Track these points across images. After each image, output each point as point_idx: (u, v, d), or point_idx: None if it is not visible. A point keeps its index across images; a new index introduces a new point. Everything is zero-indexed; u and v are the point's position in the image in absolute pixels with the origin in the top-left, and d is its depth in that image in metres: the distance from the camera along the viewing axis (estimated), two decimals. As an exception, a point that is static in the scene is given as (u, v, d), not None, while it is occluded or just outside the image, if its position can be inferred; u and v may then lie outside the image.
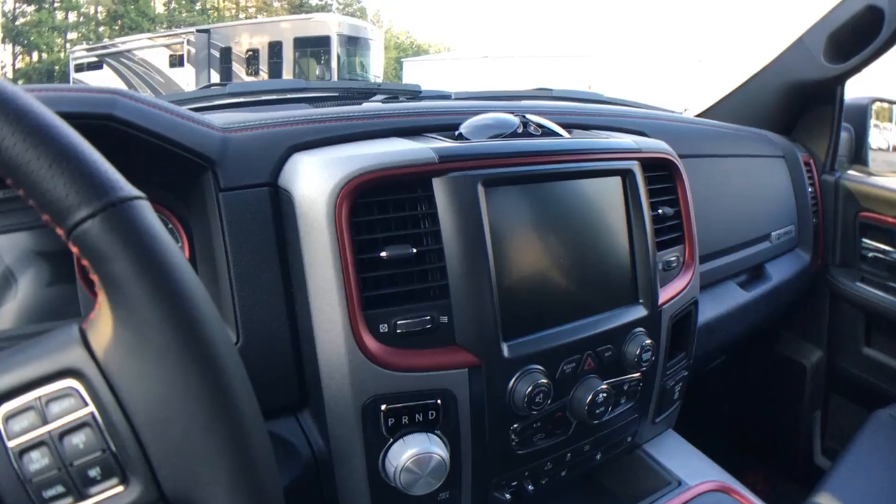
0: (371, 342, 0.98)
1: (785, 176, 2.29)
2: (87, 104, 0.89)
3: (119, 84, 24.12)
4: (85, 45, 31.76)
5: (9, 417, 0.54)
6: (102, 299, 0.53)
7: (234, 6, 45.16)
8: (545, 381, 1.09)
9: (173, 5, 41.83)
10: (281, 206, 1.04)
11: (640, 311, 1.26)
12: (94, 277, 0.52)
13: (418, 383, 1.02)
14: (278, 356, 1.04)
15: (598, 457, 1.32)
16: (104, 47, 28.70)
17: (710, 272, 1.81)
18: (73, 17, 38.09)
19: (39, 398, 0.54)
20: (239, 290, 1.01)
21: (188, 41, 24.87)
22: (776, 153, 2.28)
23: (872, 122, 2.72)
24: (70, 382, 0.54)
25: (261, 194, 1.04)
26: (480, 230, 1.03)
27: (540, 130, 1.23)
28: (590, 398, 1.16)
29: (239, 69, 24.02)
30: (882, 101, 2.87)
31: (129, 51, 26.56)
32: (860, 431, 1.95)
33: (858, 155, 2.62)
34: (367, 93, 1.87)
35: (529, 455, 1.17)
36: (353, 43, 23.79)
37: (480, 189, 1.04)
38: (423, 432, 1.03)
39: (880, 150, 3.08)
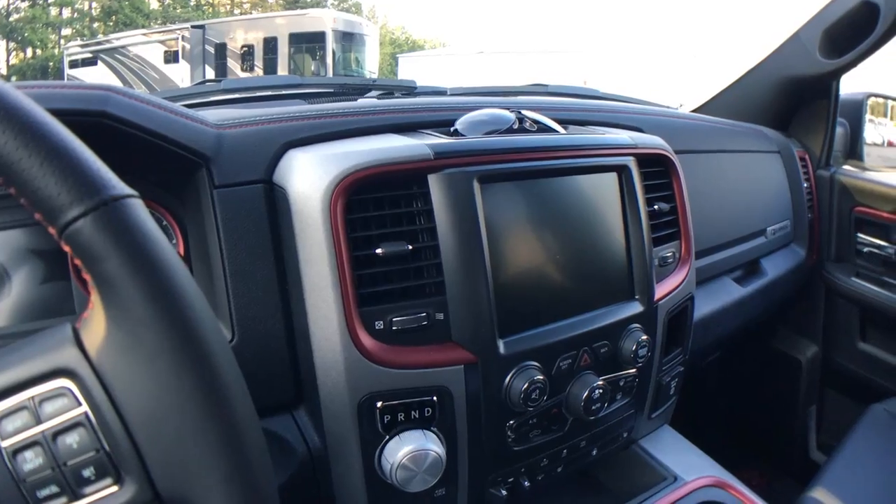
0: (367, 339, 0.98)
1: (780, 171, 2.29)
2: (80, 101, 0.89)
3: (114, 80, 24.10)
4: (79, 42, 31.66)
5: (2, 417, 0.54)
6: (95, 298, 0.53)
7: (228, 2, 45.09)
8: (541, 377, 1.09)
9: (168, 1, 41.77)
10: (276, 203, 1.04)
11: (636, 307, 1.26)
12: (87, 277, 0.52)
13: (414, 380, 1.02)
14: (274, 353, 1.04)
15: (595, 453, 1.32)
16: (99, 43, 28.61)
17: (705, 268, 1.81)
18: (67, 13, 38.00)
19: (33, 398, 0.54)
20: (234, 288, 1.00)
21: (183, 37, 24.82)
22: (772, 148, 2.28)
23: (868, 117, 2.72)
24: (63, 382, 0.54)
25: (255, 191, 1.03)
26: (476, 227, 1.03)
27: (536, 126, 1.22)
28: (586, 394, 1.16)
29: (234, 65, 23.99)
30: (877, 96, 2.87)
31: (123, 47, 26.49)
32: (856, 426, 1.96)
33: (854, 150, 2.63)
34: (362, 89, 1.87)
35: (526, 451, 1.17)
36: (349, 39, 23.78)
37: (476, 185, 1.04)
38: (419, 429, 1.03)
39: (875, 145, 3.07)
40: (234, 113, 1.14)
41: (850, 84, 2.49)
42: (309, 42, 23.16)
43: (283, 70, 22.57)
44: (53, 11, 37.50)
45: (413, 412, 1.03)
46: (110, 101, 0.91)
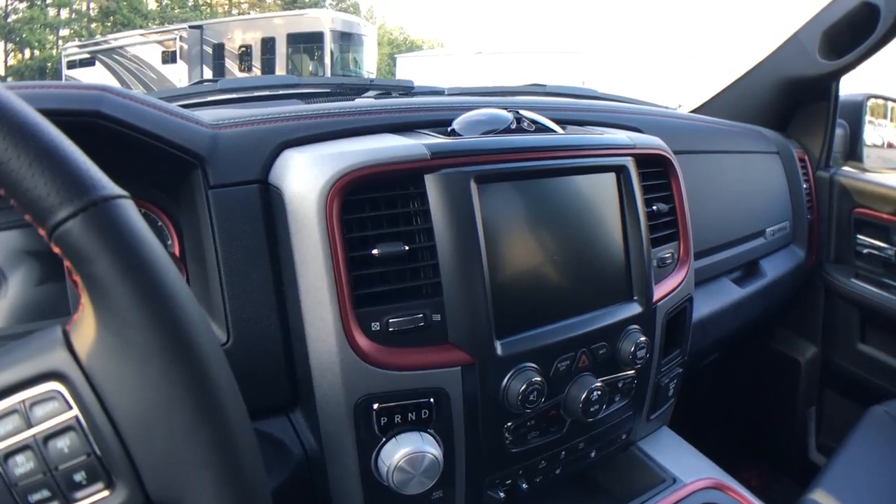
0: (363, 340, 0.97)
1: (779, 172, 2.29)
2: (73, 101, 0.88)
3: (112, 81, 24.12)
4: (77, 42, 31.70)
5: None
6: (85, 300, 0.52)
7: (226, 2, 45.11)
8: (539, 378, 1.08)
9: (166, 2, 41.75)
10: (271, 204, 1.03)
11: (634, 308, 1.26)
12: (77, 278, 0.51)
13: (411, 382, 1.01)
14: (269, 355, 1.03)
15: (593, 454, 1.31)
16: (96, 44, 28.64)
17: (704, 268, 1.81)
18: (65, 13, 37.99)
19: (23, 401, 0.53)
20: (229, 289, 1.00)
21: (181, 37, 24.85)
22: (771, 149, 2.28)
23: (867, 118, 2.72)
24: (54, 385, 0.54)
25: (251, 191, 1.03)
26: (473, 227, 1.02)
27: (533, 126, 1.22)
28: (584, 396, 1.15)
29: (232, 65, 24.03)
30: (877, 97, 2.87)
31: (121, 47, 26.51)
32: (855, 428, 1.95)
33: (853, 151, 2.63)
34: (359, 89, 1.87)
35: (523, 453, 1.17)
36: (347, 39, 23.82)
37: (473, 185, 1.03)
38: (416, 431, 1.03)
39: (875, 146, 3.08)
40: (230, 113, 1.13)
41: (851, 85, 2.49)
42: (307, 42, 23.21)
43: (281, 70, 22.60)
44: (51, 12, 37.51)
45: (410, 414, 1.02)
46: (104, 100, 0.90)
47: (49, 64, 35.46)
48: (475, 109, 1.24)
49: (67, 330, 0.55)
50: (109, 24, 37.30)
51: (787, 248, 2.32)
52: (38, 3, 36.92)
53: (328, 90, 1.85)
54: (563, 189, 1.18)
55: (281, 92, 1.72)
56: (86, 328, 0.53)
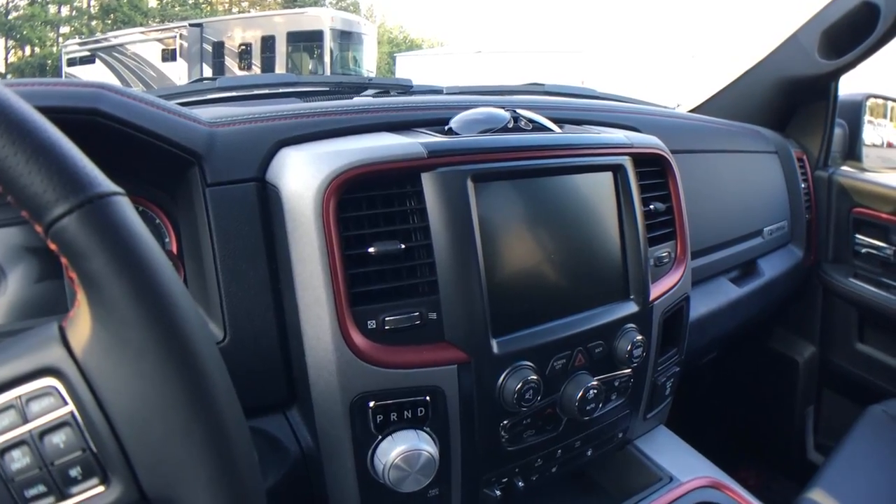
0: (359, 338, 0.98)
1: (778, 172, 2.29)
2: (72, 99, 0.88)
3: (112, 78, 24.12)
4: (77, 40, 31.65)
5: None
6: (81, 297, 0.52)
7: (226, 0, 45.10)
8: (535, 377, 1.08)
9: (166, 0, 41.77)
10: (268, 202, 1.03)
11: (631, 307, 1.26)
12: (73, 275, 0.52)
13: (407, 380, 1.01)
14: (266, 352, 1.03)
15: (589, 453, 1.31)
16: (97, 41, 28.64)
17: (702, 268, 1.81)
18: (65, 11, 37.98)
19: (20, 397, 0.54)
20: (226, 286, 1.00)
21: (181, 35, 24.87)
22: (769, 149, 2.28)
23: (867, 118, 2.72)
24: (49, 381, 0.54)
25: (248, 189, 1.03)
26: (470, 226, 1.02)
27: (531, 125, 1.22)
28: (580, 394, 1.15)
29: (231, 63, 24.04)
30: (876, 97, 2.87)
31: (121, 45, 26.52)
32: (853, 427, 1.96)
33: (852, 151, 2.63)
34: (358, 87, 1.87)
35: (519, 452, 1.17)
36: (347, 37, 23.84)
37: (470, 184, 1.03)
38: (412, 429, 1.03)
39: (874, 146, 3.08)
40: (228, 111, 1.13)
41: (850, 84, 2.50)
42: (307, 41, 23.22)
43: (280, 69, 22.64)
44: (52, 9, 37.52)
45: (406, 412, 1.02)
46: (102, 98, 0.90)
47: (49, 61, 35.46)
48: (473, 108, 1.24)
49: (63, 326, 0.55)
50: (110, 21, 37.33)
51: (785, 248, 2.32)
52: (39, 0, 36.91)
53: (327, 89, 1.85)
54: (560, 188, 1.18)
55: (279, 90, 1.72)
56: (81, 324, 0.53)
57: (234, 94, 1.67)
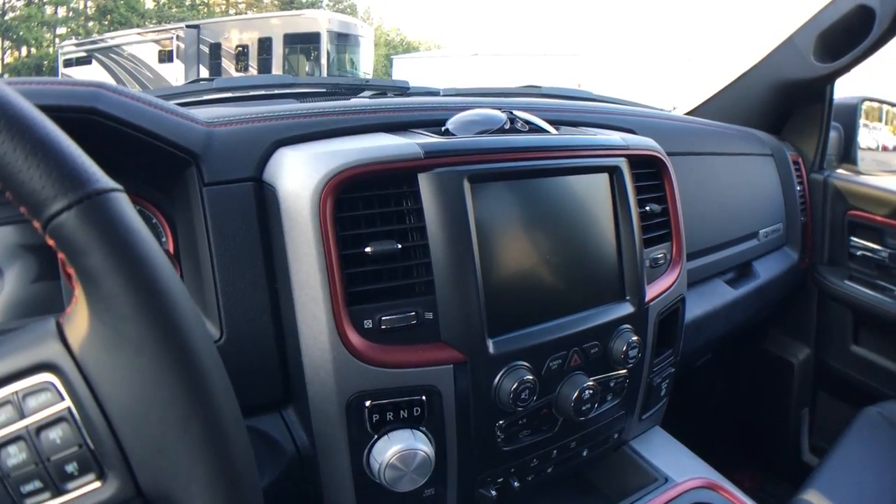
0: (355, 338, 0.98)
1: (773, 174, 2.29)
2: (69, 97, 0.89)
3: (108, 79, 24.07)
4: (74, 40, 31.63)
5: None
6: (79, 293, 0.53)
7: (223, 2, 45.05)
8: (531, 377, 1.08)
9: (163, 1, 41.70)
10: (265, 201, 1.04)
11: (626, 308, 1.26)
12: (71, 271, 0.52)
13: (403, 380, 1.01)
14: (262, 352, 1.04)
15: (585, 453, 1.32)
16: (93, 42, 28.59)
17: (697, 269, 1.82)
18: (62, 11, 37.91)
19: (17, 392, 0.54)
20: (223, 286, 1.00)
21: (177, 37, 24.82)
22: (765, 151, 2.29)
23: (862, 121, 2.73)
24: (46, 377, 0.54)
25: (245, 189, 1.03)
26: (466, 226, 1.03)
27: (527, 127, 1.22)
28: (576, 395, 1.15)
29: (228, 65, 24.00)
30: (872, 100, 2.88)
31: (118, 46, 26.47)
32: (848, 429, 1.96)
33: (848, 154, 2.63)
34: (355, 89, 1.87)
35: (515, 452, 1.17)
36: (343, 40, 23.82)
37: (466, 185, 1.04)
38: (407, 429, 1.03)
39: (869, 149, 3.08)
40: (226, 111, 1.13)
41: (848, 87, 2.50)
42: (304, 43, 23.20)
43: (277, 70, 22.56)
44: (49, 10, 37.44)
45: (402, 411, 1.02)
46: (100, 97, 0.91)
47: (46, 62, 35.38)
48: (470, 109, 1.24)
49: (61, 322, 0.55)
50: (106, 22, 37.27)
51: (781, 250, 2.33)
52: (36, 1, 36.86)
53: (324, 90, 1.85)
54: (557, 189, 1.19)
55: (277, 91, 1.72)
56: (79, 320, 0.53)
57: (231, 94, 1.68)
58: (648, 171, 1.39)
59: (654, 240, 1.37)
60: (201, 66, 24.45)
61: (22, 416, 0.53)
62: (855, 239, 2.40)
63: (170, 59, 24.87)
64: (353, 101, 1.47)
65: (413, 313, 1.02)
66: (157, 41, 25.59)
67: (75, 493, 0.54)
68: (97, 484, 0.55)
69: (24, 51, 37.29)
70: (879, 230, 2.31)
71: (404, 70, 36.43)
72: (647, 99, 2.57)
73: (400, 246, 1.00)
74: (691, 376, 2.47)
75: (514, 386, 1.07)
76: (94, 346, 0.53)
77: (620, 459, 1.47)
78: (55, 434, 0.54)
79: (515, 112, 1.24)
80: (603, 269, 1.25)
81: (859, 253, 2.38)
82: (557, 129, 1.31)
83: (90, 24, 37.86)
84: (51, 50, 35.54)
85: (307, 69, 23.10)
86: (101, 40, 28.29)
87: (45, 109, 0.54)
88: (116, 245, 0.51)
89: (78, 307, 0.53)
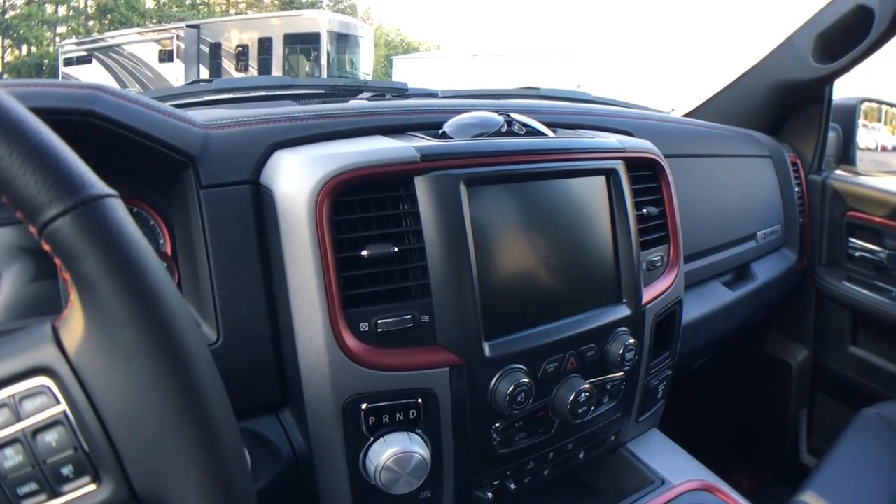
0: (351, 341, 0.98)
1: (771, 176, 2.29)
2: (66, 100, 0.89)
3: (108, 79, 24.08)
4: (74, 40, 31.58)
5: None
6: (74, 297, 0.53)
7: (224, 2, 45.03)
8: (527, 380, 1.09)
9: (163, 0, 41.69)
10: (262, 204, 1.04)
11: (623, 311, 1.26)
12: (66, 275, 0.52)
13: (399, 382, 1.02)
14: (259, 354, 1.04)
15: (581, 456, 1.32)
16: (94, 42, 28.54)
17: (695, 271, 1.81)
18: (62, 10, 37.88)
19: (13, 395, 0.54)
20: (219, 288, 1.00)
21: (178, 36, 24.79)
22: (763, 153, 2.29)
23: (861, 122, 2.73)
24: (42, 380, 0.54)
25: (242, 192, 1.03)
26: (462, 229, 1.03)
27: (524, 129, 1.23)
28: (572, 397, 1.16)
29: (228, 65, 23.98)
30: (871, 101, 2.88)
31: (118, 45, 26.44)
32: (846, 430, 1.96)
33: (846, 155, 2.63)
34: (353, 90, 1.87)
35: (511, 454, 1.17)
36: (343, 40, 23.79)
37: (463, 188, 1.04)
38: (403, 431, 1.03)
39: (868, 149, 3.08)
40: (223, 113, 1.13)
41: (845, 88, 2.50)
42: (304, 43, 23.18)
43: (277, 71, 22.59)
44: (49, 9, 37.40)
45: (398, 414, 1.03)
46: (97, 100, 0.91)
47: (46, 61, 35.37)
48: (467, 112, 1.24)
49: (57, 326, 0.55)
50: (107, 21, 37.25)
51: (779, 252, 2.32)
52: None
53: (322, 91, 1.85)
54: (553, 192, 1.19)
55: (275, 93, 1.72)
56: (74, 324, 0.53)
57: (229, 96, 1.68)
58: (645, 173, 1.39)
59: (651, 242, 1.38)
60: (201, 66, 24.44)
61: (18, 418, 0.54)
62: (853, 240, 2.40)
63: (170, 59, 24.84)
64: (351, 103, 1.47)
65: (409, 316, 1.02)
66: (157, 41, 25.55)
67: (71, 495, 0.54)
68: (92, 486, 0.55)
69: (24, 49, 37.28)
70: (878, 231, 2.31)
71: (404, 70, 36.45)
72: (647, 100, 2.57)
73: (396, 249, 1.00)
74: (689, 378, 2.47)
75: (511, 389, 1.07)
76: (89, 350, 0.53)
77: (617, 462, 1.47)
78: (51, 437, 0.54)
79: (512, 115, 1.24)
80: (600, 272, 1.25)
81: (858, 254, 2.38)
82: (554, 131, 1.32)
83: (90, 23, 37.84)
84: (51, 49, 35.51)
85: (307, 69, 23.09)
86: (102, 39, 28.26)
87: (42, 112, 0.54)
88: (111, 251, 0.51)
89: (73, 311, 0.53)
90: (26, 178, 0.49)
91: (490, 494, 1.18)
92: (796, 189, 2.38)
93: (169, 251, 1.06)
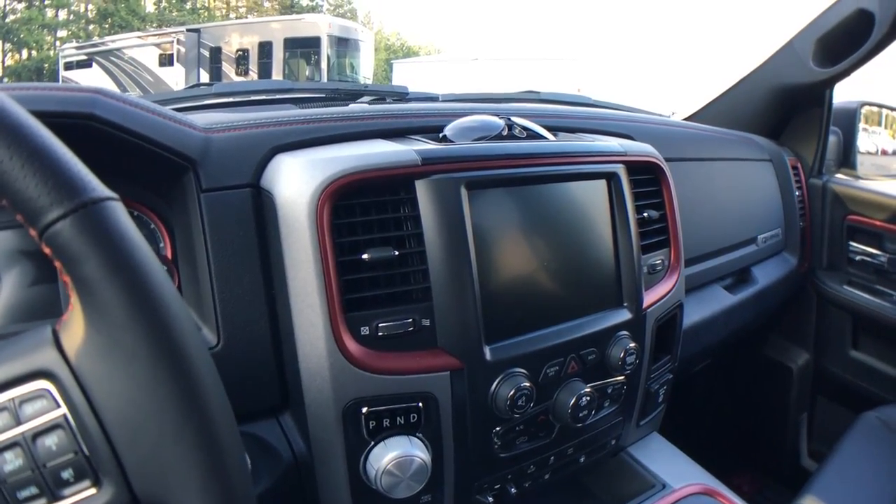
0: (352, 345, 0.98)
1: (772, 179, 2.29)
2: (67, 103, 0.89)
3: (108, 83, 24.09)
4: (75, 44, 31.61)
5: None
6: (75, 300, 0.53)
7: (224, 6, 45.07)
8: (528, 384, 1.09)
9: (163, 4, 41.65)
10: (263, 208, 1.04)
11: (624, 315, 1.26)
12: (66, 279, 0.52)
13: (400, 386, 1.02)
14: (259, 358, 1.04)
15: (582, 460, 1.32)
16: (94, 45, 28.56)
17: (695, 275, 1.81)
18: (63, 14, 37.91)
19: (13, 399, 0.54)
20: (220, 292, 1.00)
21: (178, 40, 24.79)
22: (763, 157, 2.29)
23: (861, 125, 2.73)
24: (42, 384, 0.54)
25: (243, 195, 1.03)
26: (463, 233, 1.03)
27: (525, 133, 1.23)
28: (573, 401, 1.16)
29: (229, 69, 23.98)
30: (871, 104, 2.88)
31: (118, 49, 26.45)
32: (847, 434, 1.95)
33: (847, 158, 2.63)
34: (354, 94, 1.87)
35: (512, 458, 1.17)
36: (344, 44, 23.79)
37: (463, 191, 1.04)
38: (404, 435, 1.03)
39: (869, 153, 3.09)
40: (224, 117, 1.14)
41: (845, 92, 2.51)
42: (304, 47, 23.17)
43: (277, 75, 22.60)
44: (49, 13, 37.45)
45: (399, 418, 1.03)
46: (97, 103, 0.91)
47: (46, 65, 35.40)
48: (468, 116, 1.24)
49: (57, 329, 0.55)
50: (107, 25, 37.28)
51: (779, 255, 2.32)
52: (37, 3, 36.87)
53: (322, 95, 1.85)
54: (554, 196, 1.19)
55: (276, 96, 1.72)
56: (75, 328, 0.53)
57: (230, 99, 1.68)
58: (646, 177, 1.39)
59: (651, 246, 1.37)
60: (202, 70, 24.43)
61: (18, 422, 0.54)
62: (854, 244, 2.40)
63: (170, 63, 24.85)
64: (352, 106, 1.48)
65: (410, 320, 1.02)
66: (157, 45, 25.56)
67: (71, 499, 0.54)
68: (93, 490, 0.55)
69: (24, 53, 37.30)
70: (878, 235, 2.31)
71: (404, 75, 36.47)
72: (647, 103, 2.57)
73: (397, 253, 1.00)
74: (690, 382, 2.47)
75: (511, 393, 1.07)
76: (90, 353, 0.53)
77: (618, 466, 1.47)
78: (51, 441, 0.54)
79: (513, 118, 1.24)
80: (600, 276, 1.25)
81: (858, 258, 2.38)
82: (555, 135, 1.32)
83: (91, 27, 37.87)
84: (51, 53, 35.54)
85: (307, 74, 23.10)
86: (102, 44, 28.27)
87: (43, 115, 0.54)
88: (111, 254, 0.51)
89: (74, 315, 0.53)
90: (27, 181, 0.49)
91: (491, 498, 1.18)
92: (797, 193, 2.38)
93: (169, 254, 1.06)
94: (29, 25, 35.79)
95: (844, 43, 2.24)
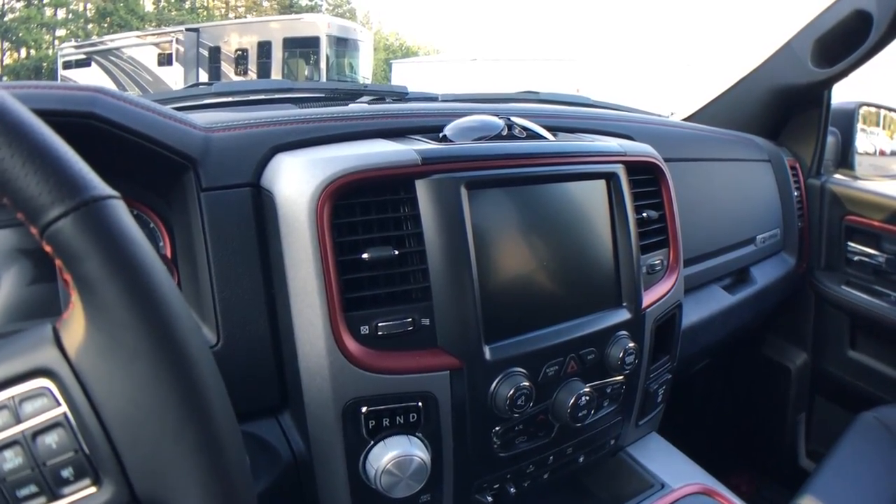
0: (352, 344, 0.98)
1: (771, 180, 2.29)
2: (67, 102, 0.89)
3: (107, 82, 24.06)
4: (73, 43, 31.58)
5: None
6: (75, 299, 0.53)
7: (223, 5, 45.06)
8: (527, 383, 1.09)
9: (163, 4, 41.66)
10: (263, 207, 1.04)
11: (623, 315, 1.26)
12: (67, 277, 0.52)
13: (399, 385, 1.02)
14: (259, 357, 1.04)
15: (581, 459, 1.32)
16: (93, 45, 28.53)
17: (694, 275, 1.81)
18: (62, 13, 37.88)
19: (13, 397, 0.54)
20: (219, 291, 1.00)
21: (177, 40, 24.77)
22: (762, 157, 2.29)
23: (859, 126, 2.73)
24: (43, 382, 0.54)
25: (243, 195, 1.03)
26: (463, 232, 1.03)
27: (524, 133, 1.23)
28: (572, 401, 1.16)
29: (228, 69, 23.94)
30: (869, 105, 2.88)
31: (117, 49, 26.43)
32: (845, 434, 1.95)
33: (845, 159, 2.63)
34: (353, 94, 1.87)
35: (511, 458, 1.17)
36: (343, 44, 23.76)
37: (463, 191, 1.04)
38: (404, 434, 1.03)
39: (867, 154, 3.09)
40: (224, 116, 1.14)
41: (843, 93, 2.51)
42: (303, 47, 23.14)
43: (276, 74, 22.57)
44: (48, 12, 37.42)
45: (398, 417, 1.03)
46: (98, 102, 0.91)
47: (45, 64, 35.37)
48: (467, 116, 1.24)
49: (57, 327, 0.55)
50: (106, 25, 37.27)
51: (778, 256, 2.32)
52: (35, 2, 36.85)
53: (322, 95, 1.85)
54: (554, 195, 1.19)
55: (275, 96, 1.72)
56: (75, 326, 0.53)
57: (229, 99, 1.68)
58: (645, 177, 1.39)
59: (650, 246, 1.38)
60: (201, 70, 24.40)
61: (18, 420, 0.53)
62: (852, 244, 2.40)
63: (169, 63, 24.83)
64: (352, 106, 1.48)
65: (409, 319, 1.02)
66: (156, 44, 25.54)
67: (71, 497, 0.54)
68: (93, 489, 0.55)
69: (23, 52, 37.28)
70: (877, 235, 2.31)
71: (403, 75, 36.47)
72: (646, 104, 2.57)
73: (397, 252, 1.00)
74: (689, 381, 2.47)
75: (511, 392, 1.07)
76: (90, 352, 0.53)
77: (617, 465, 1.47)
78: (51, 439, 0.54)
79: (513, 118, 1.24)
80: (600, 276, 1.25)
81: (856, 258, 2.38)
82: (555, 135, 1.32)
83: (90, 26, 37.84)
84: (50, 52, 35.50)
85: (306, 73, 23.08)
86: (101, 43, 28.24)
87: (44, 114, 0.54)
88: (112, 252, 0.51)
89: (74, 313, 0.53)
90: (28, 179, 0.49)
91: (490, 498, 1.18)
92: (795, 193, 2.38)
93: (169, 254, 1.06)
94: (28, 24, 35.76)
95: (843, 44, 2.24)
